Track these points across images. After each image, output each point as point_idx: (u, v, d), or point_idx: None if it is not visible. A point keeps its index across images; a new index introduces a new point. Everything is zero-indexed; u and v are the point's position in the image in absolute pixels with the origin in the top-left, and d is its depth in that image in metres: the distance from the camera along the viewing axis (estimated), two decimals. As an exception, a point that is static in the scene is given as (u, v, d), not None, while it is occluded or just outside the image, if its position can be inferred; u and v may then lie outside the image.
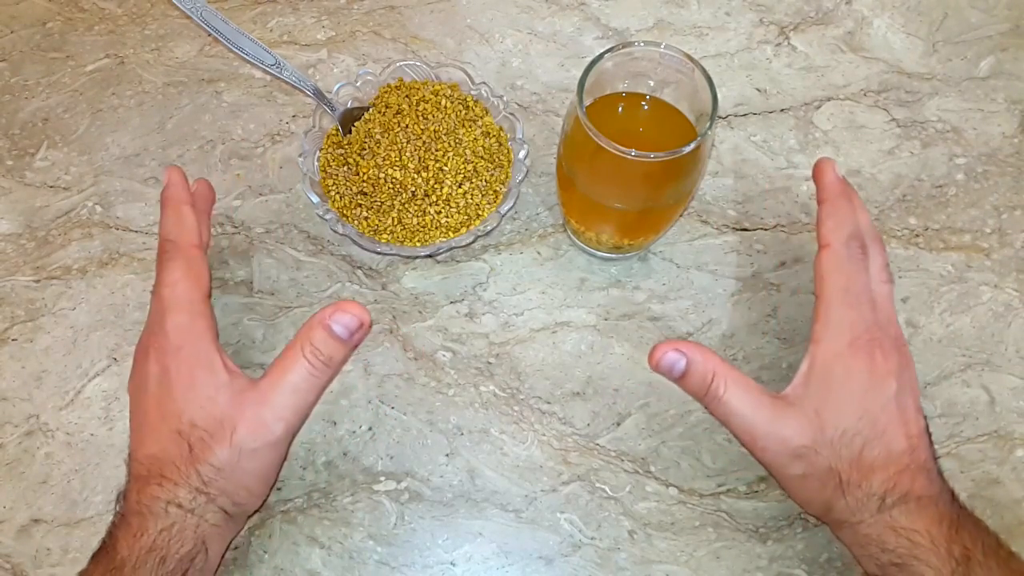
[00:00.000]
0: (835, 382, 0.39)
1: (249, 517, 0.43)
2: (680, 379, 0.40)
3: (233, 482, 0.39)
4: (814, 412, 0.38)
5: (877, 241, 0.43)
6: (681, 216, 0.51)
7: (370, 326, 0.40)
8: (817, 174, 0.43)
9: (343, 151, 0.51)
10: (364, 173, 0.49)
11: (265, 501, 0.43)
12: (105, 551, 0.37)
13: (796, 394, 0.39)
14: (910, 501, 0.37)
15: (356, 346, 0.40)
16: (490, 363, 0.48)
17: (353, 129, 0.51)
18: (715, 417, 0.40)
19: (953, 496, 0.38)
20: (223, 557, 0.41)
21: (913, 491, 0.37)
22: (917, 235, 0.52)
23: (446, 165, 0.49)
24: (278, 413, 0.39)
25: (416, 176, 0.48)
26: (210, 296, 0.42)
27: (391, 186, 0.48)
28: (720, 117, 0.56)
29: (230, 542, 0.42)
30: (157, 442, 0.39)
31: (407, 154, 0.49)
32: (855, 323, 0.39)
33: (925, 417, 0.40)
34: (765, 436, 0.38)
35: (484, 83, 0.52)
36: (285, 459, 0.42)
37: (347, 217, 0.49)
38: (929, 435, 0.40)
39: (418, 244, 0.48)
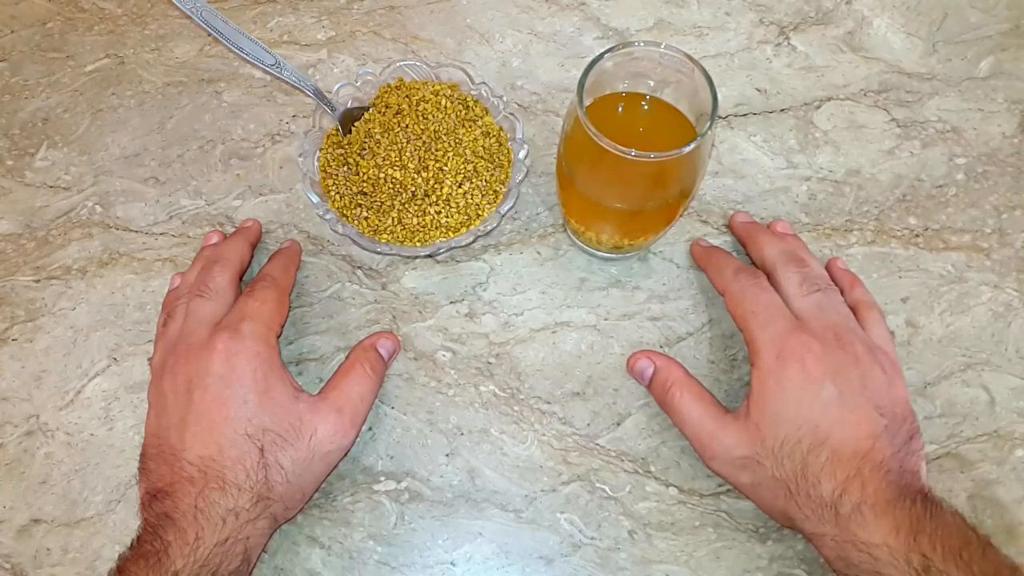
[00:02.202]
0: (769, 394, 0.40)
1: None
2: (648, 385, 0.46)
3: (295, 486, 0.40)
4: (755, 425, 0.40)
5: (791, 262, 0.45)
6: (681, 216, 0.51)
7: (399, 352, 0.48)
8: (732, 225, 0.51)
9: (343, 151, 0.51)
10: (364, 173, 0.49)
11: (302, 509, 0.44)
12: (155, 556, 0.36)
13: (742, 412, 0.41)
14: (864, 510, 0.36)
15: (388, 367, 0.48)
16: (490, 363, 0.48)
17: (353, 129, 0.51)
18: (673, 422, 0.44)
19: (919, 495, 0.36)
20: (255, 565, 0.41)
21: (866, 499, 0.36)
22: (917, 235, 0.52)
23: (446, 165, 0.49)
24: (352, 420, 0.42)
25: (416, 176, 0.48)
26: (279, 336, 0.45)
27: (391, 186, 0.48)
28: (720, 117, 0.56)
29: (261, 553, 0.42)
30: (215, 443, 0.38)
31: (407, 154, 0.49)
32: (775, 338, 0.41)
33: (914, 414, 0.40)
34: (710, 443, 0.41)
35: (484, 83, 0.52)
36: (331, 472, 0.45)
37: (347, 217, 0.49)
38: (910, 431, 0.39)
39: (418, 244, 0.48)
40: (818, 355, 0.40)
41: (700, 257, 0.50)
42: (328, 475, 0.43)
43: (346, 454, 0.44)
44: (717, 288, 0.47)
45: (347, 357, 0.45)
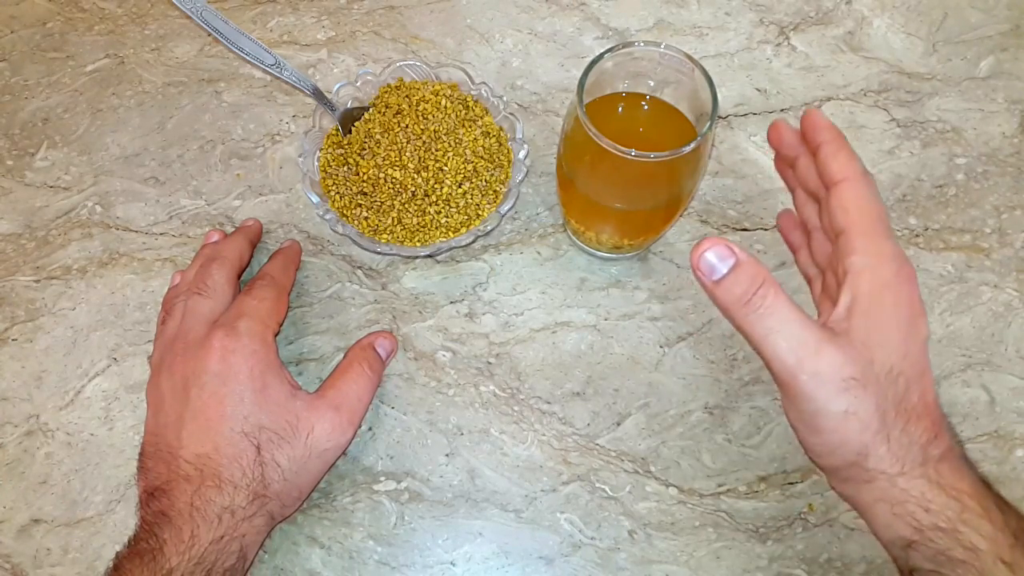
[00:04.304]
0: (885, 313, 0.34)
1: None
2: (720, 281, 0.34)
3: (292, 484, 0.40)
4: (861, 343, 0.34)
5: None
6: (681, 216, 0.51)
7: (396, 352, 0.48)
8: (809, 121, 0.40)
9: (343, 151, 0.51)
10: (364, 173, 0.49)
11: (299, 508, 0.44)
12: (150, 554, 0.36)
13: (840, 326, 0.34)
14: (952, 458, 0.34)
15: (386, 367, 0.47)
16: (490, 363, 0.48)
17: (353, 129, 0.51)
18: (752, 337, 0.35)
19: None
20: (252, 563, 0.41)
21: (952, 448, 0.34)
22: (917, 235, 0.52)
23: (446, 165, 0.49)
24: (351, 418, 0.42)
25: (416, 176, 0.48)
26: (277, 334, 0.45)
27: (391, 186, 0.48)
28: (720, 117, 0.56)
29: (259, 551, 0.42)
30: (212, 441, 0.38)
31: (407, 154, 0.49)
32: (897, 253, 0.36)
33: None
34: (814, 358, 0.33)
35: (484, 83, 0.52)
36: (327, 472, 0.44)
37: (347, 217, 0.49)
38: None
39: (418, 244, 0.48)
40: (918, 289, 0.36)
41: (824, 127, 0.39)
42: (325, 474, 0.43)
43: (344, 453, 0.44)
44: (831, 169, 0.38)
45: (345, 356, 0.45)
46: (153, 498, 0.38)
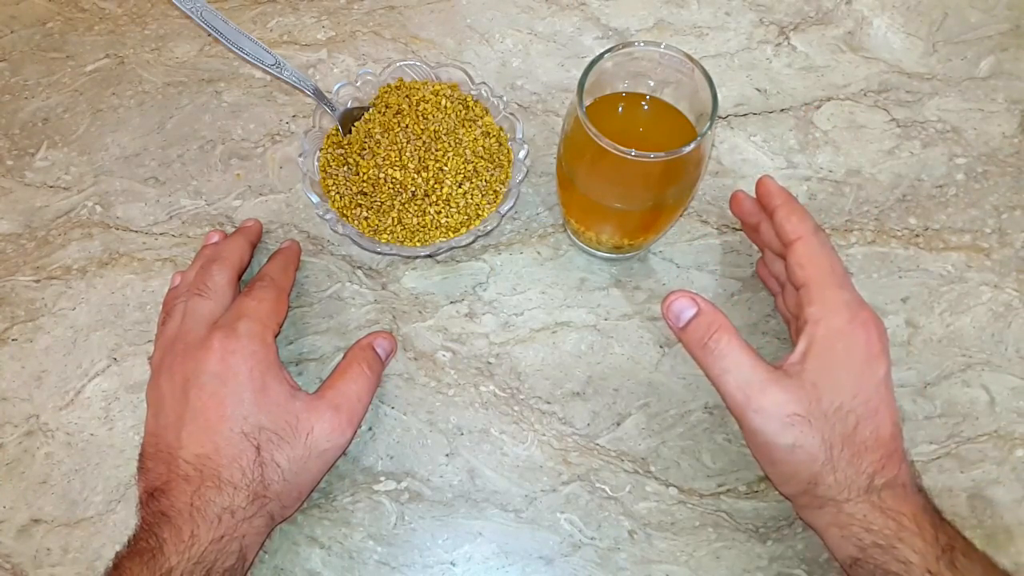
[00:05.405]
0: (836, 357, 0.39)
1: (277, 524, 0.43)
2: (684, 328, 0.40)
3: (292, 484, 0.40)
4: (811, 384, 0.38)
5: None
6: (681, 216, 0.51)
7: (395, 352, 0.48)
8: (762, 188, 0.45)
9: (343, 151, 0.51)
10: (364, 173, 0.49)
11: (300, 507, 0.44)
12: (150, 553, 0.36)
13: (794, 369, 0.39)
14: (896, 486, 0.37)
15: (385, 367, 0.47)
16: (490, 363, 0.48)
17: (353, 129, 0.51)
18: (710, 376, 0.40)
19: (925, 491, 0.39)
20: (252, 564, 0.41)
21: (899, 477, 0.38)
22: (917, 235, 0.52)
23: (446, 165, 0.49)
24: (350, 419, 0.42)
25: (416, 176, 0.48)
26: (277, 336, 0.44)
27: (391, 186, 0.48)
28: (720, 117, 0.56)
29: (259, 551, 0.42)
30: (212, 442, 0.39)
31: (407, 154, 0.49)
32: (850, 302, 0.40)
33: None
34: (759, 396, 0.38)
35: (484, 83, 0.52)
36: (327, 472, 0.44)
37: (347, 217, 0.49)
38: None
39: (418, 244, 0.48)
40: (880, 333, 0.40)
41: (775, 193, 0.44)
42: (325, 474, 0.43)
43: (343, 453, 0.44)
44: (785, 231, 0.42)
45: (344, 357, 0.45)
46: (153, 498, 0.38)
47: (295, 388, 0.42)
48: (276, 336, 0.44)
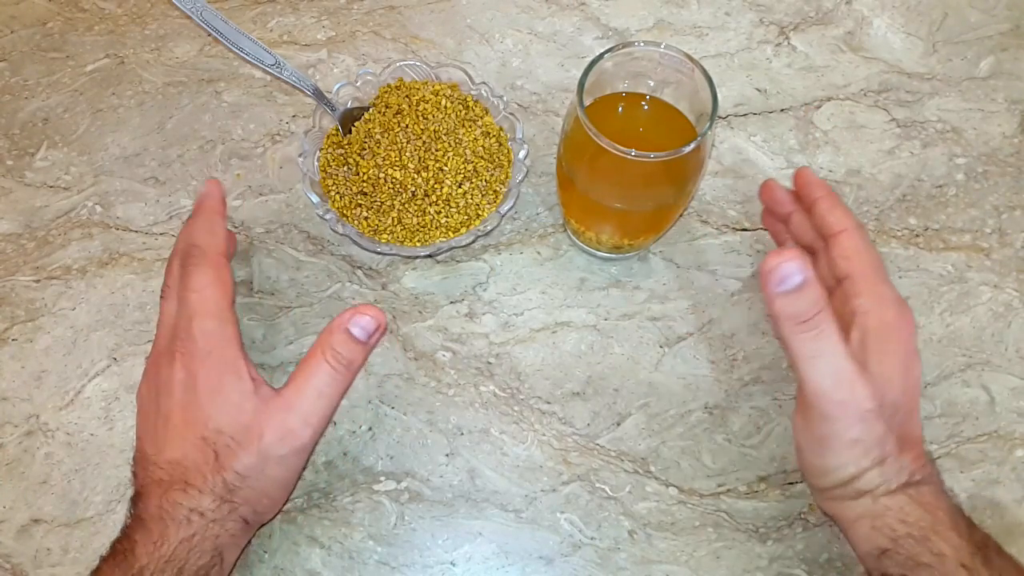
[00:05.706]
0: (890, 351, 0.38)
1: (262, 526, 0.43)
2: (785, 295, 0.35)
3: (257, 490, 0.39)
4: (873, 379, 0.37)
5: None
6: (681, 216, 0.51)
7: (386, 328, 0.42)
8: (801, 179, 0.45)
9: (343, 151, 0.51)
10: (364, 173, 0.49)
11: (281, 509, 0.43)
12: (123, 555, 0.36)
13: (857, 358, 0.37)
14: (932, 483, 0.37)
15: (373, 348, 0.41)
16: (490, 363, 0.48)
17: (353, 129, 0.51)
18: (795, 354, 0.36)
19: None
20: (235, 565, 0.41)
21: (932, 475, 0.38)
22: (917, 235, 0.52)
23: (446, 165, 0.49)
24: (305, 419, 0.39)
25: (416, 176, 0.48)
26: (234, 303, 0.42)
27: (391, 186, 0.48)
28: (720, 117, 0.56)
29: (242, 551, 0.42)
30: (180, 448, 0.38)
31: (407, 154, 0.49)
32: (896, 298, 0.40)
33: None
34: (848, 388, 0.36)
35: (484, 83, 0.52)
36: (305, 467, 0.43)
37: (347, 217, 0.49)
38: None
39: (418, 244, 0.48)
40: (915, 331, 0.40)
41: (817, 184, 0.44)
42: (299, 476, 0.42)
43: (310, 453, 0.42)
44: (827, 222, 0.42)
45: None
46: (133, 503, 0.39)
47: (259, 383, 0.40)
48: (233, 305, 0.41)
